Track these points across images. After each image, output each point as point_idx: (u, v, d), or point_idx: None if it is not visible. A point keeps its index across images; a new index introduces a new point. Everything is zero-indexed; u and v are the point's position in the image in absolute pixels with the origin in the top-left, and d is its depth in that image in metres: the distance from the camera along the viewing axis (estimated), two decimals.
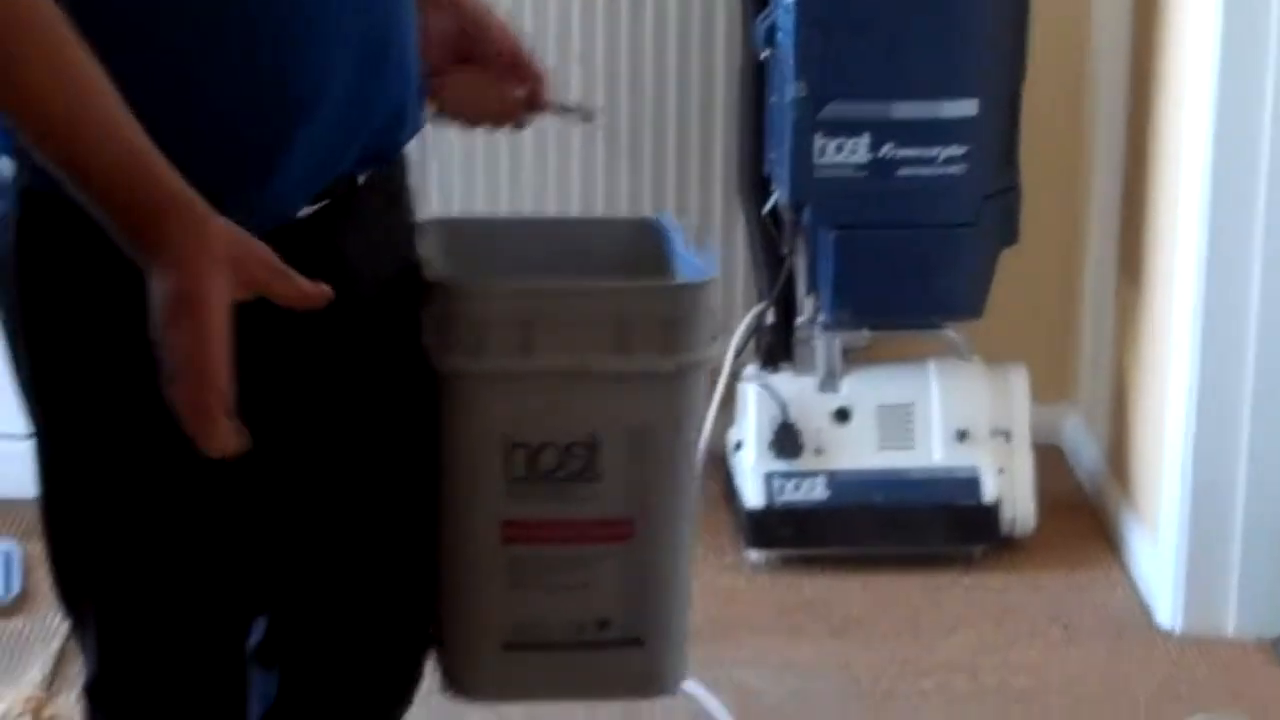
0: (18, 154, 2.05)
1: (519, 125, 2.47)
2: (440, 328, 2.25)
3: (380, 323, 2.23)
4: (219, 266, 1.87)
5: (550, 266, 2.40)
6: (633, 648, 2.38)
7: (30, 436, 2.18)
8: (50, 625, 3.56)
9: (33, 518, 2.24)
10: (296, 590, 2.35)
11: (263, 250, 1.91)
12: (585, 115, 2.71)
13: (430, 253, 2.30)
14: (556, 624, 2.35)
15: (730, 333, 3.97)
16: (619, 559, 2.34)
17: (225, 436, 1.85)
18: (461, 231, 2.39)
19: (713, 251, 2.75)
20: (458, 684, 2.37)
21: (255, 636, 2.44)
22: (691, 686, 3.38)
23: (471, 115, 2.43)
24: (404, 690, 2.44)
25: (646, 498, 2.31)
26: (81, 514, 2.20)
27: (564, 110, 2.55)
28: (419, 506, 2.31)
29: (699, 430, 2.42)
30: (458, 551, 2.32)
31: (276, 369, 2.10)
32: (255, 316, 1.94)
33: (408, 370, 2.28)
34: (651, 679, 2.42)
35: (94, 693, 2.28)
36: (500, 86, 2.40)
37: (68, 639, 3.45)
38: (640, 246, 2.49)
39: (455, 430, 2.29)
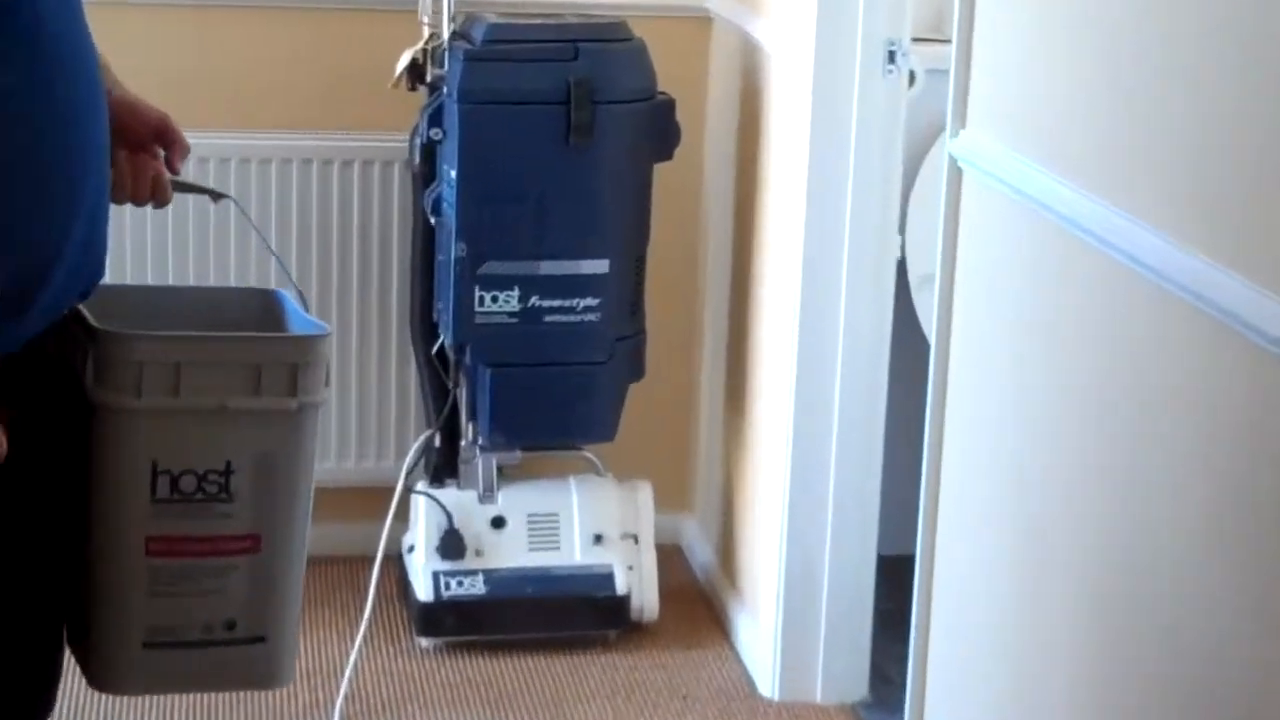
0: None
1: (160, 202, 2.54)
2: (102, 369, 2.38)
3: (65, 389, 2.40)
4: None
5: (192, 325, 2.53)
6: (257, 645, 2.50)
7: None
8: None
9: None
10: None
11: None
12: (214, 195, 2.73)
13: (93, 312, 2.42)
14: (190, 625, 2.45)
15: (404, 453, 4.17)
16: (247, 569, 2.46)
17: None
18: (117, 297, 2.51)
19: (321, 320, 2.97)
20: (102, 680, 2.47)
21: None
22: None
23: (118, 192, 2.46)
24: (46, 693, 2.51)
25: (272, 515, 2.45)
26: None
27: (197, 189, 2.66)
28: (68, 525, 2.39)
29: (313, 458, 2.53)
30: (105, 563, 2.43)
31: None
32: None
33: (73, 413, 2.42)
34: (272, 673, 2.55)
35: None
36: (142, 159, 2.49)
37: None
38: (263, 311, 2.67)
39: (108, 457, 2.43)
